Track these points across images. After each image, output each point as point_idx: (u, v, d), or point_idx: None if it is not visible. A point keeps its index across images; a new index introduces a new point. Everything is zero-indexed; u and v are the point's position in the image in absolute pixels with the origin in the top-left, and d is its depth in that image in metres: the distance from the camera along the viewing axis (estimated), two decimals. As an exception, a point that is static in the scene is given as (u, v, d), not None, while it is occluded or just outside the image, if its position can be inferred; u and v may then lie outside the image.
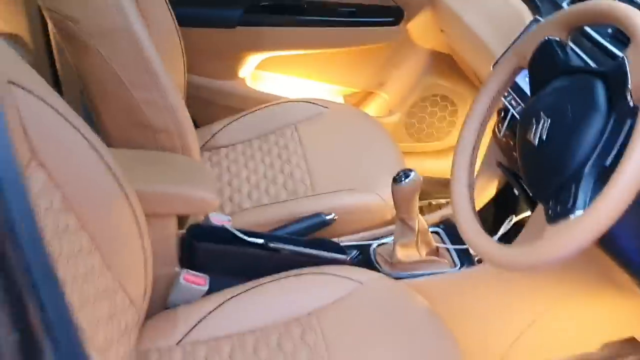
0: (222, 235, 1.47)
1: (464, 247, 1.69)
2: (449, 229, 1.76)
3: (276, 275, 1.45)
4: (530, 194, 1.33)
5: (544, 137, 1.12)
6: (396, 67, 2.41)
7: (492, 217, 2.03)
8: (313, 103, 2.10)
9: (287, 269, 1.45)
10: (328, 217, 1.66)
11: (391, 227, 1.70)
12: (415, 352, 1.29)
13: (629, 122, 1.01)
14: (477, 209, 1.29)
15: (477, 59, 1.90)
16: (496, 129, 1.61)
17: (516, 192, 1.69)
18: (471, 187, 1.24)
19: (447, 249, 1.71)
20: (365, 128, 2.03)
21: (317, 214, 1.66)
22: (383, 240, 1.70)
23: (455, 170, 1.25)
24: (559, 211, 1.06)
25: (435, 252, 1.67)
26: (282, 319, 1.33)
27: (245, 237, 1.48)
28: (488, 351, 1.50)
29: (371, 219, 1.74)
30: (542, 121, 1.13)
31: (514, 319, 1.59)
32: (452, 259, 1.68)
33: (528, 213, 1.72)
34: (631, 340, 1.68)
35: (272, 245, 1.48)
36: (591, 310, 1.64)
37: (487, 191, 1.90)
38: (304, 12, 2.28)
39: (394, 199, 1.58)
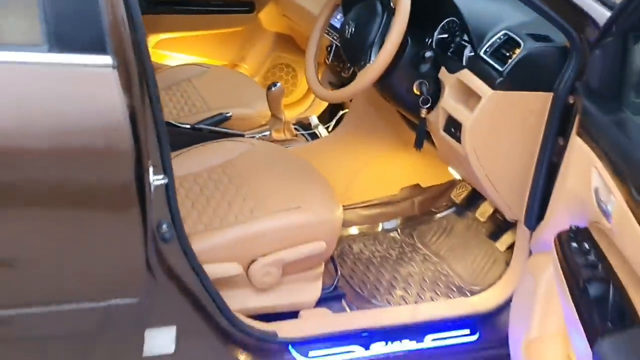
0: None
1: (312, 132, 2.71)
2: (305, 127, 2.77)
3: (198, 145, 2.36)
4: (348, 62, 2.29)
5: (353, 32, 2.16)
6: (252, 45, 3.41)
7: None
8: (199, 65, 3.06)
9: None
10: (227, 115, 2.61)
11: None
12: (303, 178, 2.21)
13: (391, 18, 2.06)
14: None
15: (310, 27, 2.93)
16: (326, 59, 2.62)
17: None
18: (314, 67, 2.25)
19: (303, 135, 2.72)
20: (238, 80, 3.01)
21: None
22: (265, 133, 2.67)
23: (307, 61, 2.27)
24: (361, 66, 2.09)
25: (295, 136, 2.67)
26: (206, 167, 2.20)
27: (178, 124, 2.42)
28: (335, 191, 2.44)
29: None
30: (351, 25, 2.17)
31: (348, 169, 2.60)
32: (306, 139, 2.68)
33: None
34: (417, 186, 2.73)
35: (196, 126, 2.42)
36: (391, 163, 2.68)
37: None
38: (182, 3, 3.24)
39: (268, 102, 2.57)
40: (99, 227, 1.48)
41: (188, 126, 2.46)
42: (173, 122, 2.45)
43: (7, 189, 1.39)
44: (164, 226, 1.62)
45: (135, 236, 1.52)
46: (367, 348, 1.98)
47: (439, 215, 2.68)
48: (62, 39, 1.40)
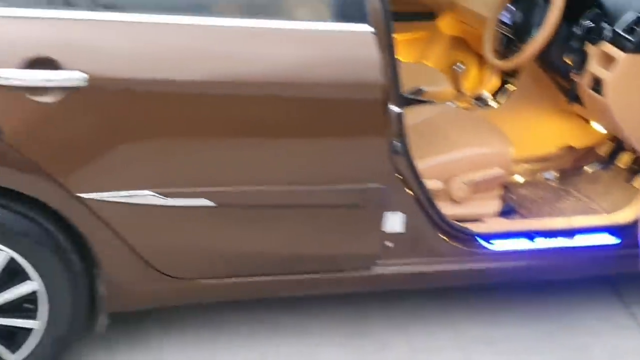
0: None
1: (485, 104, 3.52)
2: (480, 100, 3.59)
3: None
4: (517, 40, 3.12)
5: (521, 17, 2.97)
6: (432, 47, 4.26)
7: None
8: None
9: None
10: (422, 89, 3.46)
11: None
12: (483, 126, 3.01)
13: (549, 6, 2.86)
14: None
15: (481, 27, 3.73)
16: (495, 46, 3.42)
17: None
18: (491, 47, 3.08)
19: (479, 105, 3.53)
20: (427, 69, 3.86)
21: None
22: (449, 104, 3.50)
23: (485, 43, 3.10)
24: (526, 42, 2.90)
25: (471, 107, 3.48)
26: (417, 120, 3.06)
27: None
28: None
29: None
30: (519, 13, 2.98)
31: (513, 131, 3.37)
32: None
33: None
34: (569, 146, 3.46)
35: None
36: (548, 127, 3.44)
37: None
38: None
39: (452, 79, 3.40)
40: (364, 137, 2.36)
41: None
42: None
43: (310, 115, 2.29)
44: (397, 144, 2.48)
45: (383, 144, 2.39)
46: (531, 240, 2.75)
47: (587, 168, 3.39)
48: (341, 14, 2.30)
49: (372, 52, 2.30)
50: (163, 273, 2.41)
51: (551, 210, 3.06)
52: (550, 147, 3.43)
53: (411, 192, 2.56)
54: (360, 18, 2.31)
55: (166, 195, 2.28)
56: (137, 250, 2.34)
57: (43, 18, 2.14)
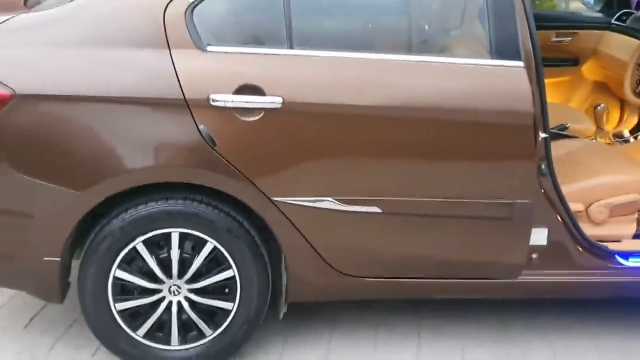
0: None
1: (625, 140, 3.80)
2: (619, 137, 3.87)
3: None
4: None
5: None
6: (576, 90, 4.57)
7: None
8: None
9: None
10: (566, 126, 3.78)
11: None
12: (622, 158, 3.32)
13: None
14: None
15: (623, 72, 4.01)
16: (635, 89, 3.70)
17: None
18: (629, 87, 3.39)
19: (618, 141, 3.81)
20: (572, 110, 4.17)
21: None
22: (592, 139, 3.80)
23: (625, 83, 3.40)
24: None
25: (612, 143, 3.77)
26: (561, 152, 3.41)
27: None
28: None
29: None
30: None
31: None
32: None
33: None
34: None
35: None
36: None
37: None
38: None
39: (595, 117, 3.71)
40: (515, 158, 2.72)
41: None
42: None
43: (469, 138, 2.68)
44: (543, 166, 2.83)
45: (532, 165, 2.74)
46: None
47: None
48: (498, 52, 2.70)
49: (523, 85, 2.68)
50: (336, 269, 2.84)
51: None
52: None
53: (555, 210, 2.88)
54: (515, 56, 2.70)
55: (343, 202, 2.72)
56: (316, 248, 2.79)
57: (250, 54, 2.65)
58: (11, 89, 2.57)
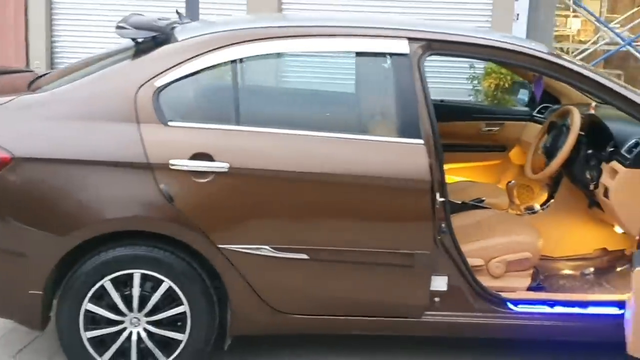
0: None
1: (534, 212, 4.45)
2: (530, 209, 4.53)
3: (465, 212, 4.21)
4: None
5: (549, 143, 3.97)
6: (504, 173, 5.25)
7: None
8: (470, 181, 4.96)
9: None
10: (482, 199, 4.45)
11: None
12: (521, 224, 3.98)
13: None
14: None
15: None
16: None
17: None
18: (530, 168, 4.07)
19: (528, 213, 4.46)
20: (492, 187, 4.84)
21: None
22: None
23: (526, 165, 4.08)
24: (551, 161, 3.88)
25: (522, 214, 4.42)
26: (471, 220, 4.06)
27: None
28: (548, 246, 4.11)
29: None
30: (549, 140, 3.98)
31: (555, 232, 4.26)
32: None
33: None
34: (604, 248, 4.30)
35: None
36: (586, 231, 4.30)
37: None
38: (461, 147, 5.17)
39: (507, 192, 4.37)
40: (416, 216, 3.36)
41: (459, 202, 4.34)
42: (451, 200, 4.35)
43: (379, 200, 3.32)
44: (442, 225, 3.46)
45: (429, 225, 3.37)
46: (551, 307, 3.60)
47: (618, 267, 4.20)
48: (403, 132, 3.38)
49: (422, 158, 3.34)
50: (272, 307, 3.43)
51: (574, 289, 3.89)
52: (587, 248, 4.27)
53: (454, 262, 3.49)
54: (416, 135, 3.37)
55: (277, 249, 3.34)
56: (255, 288, 3.39)
57: (204, 128, 3.33)
58: (10, 152, 3.22)
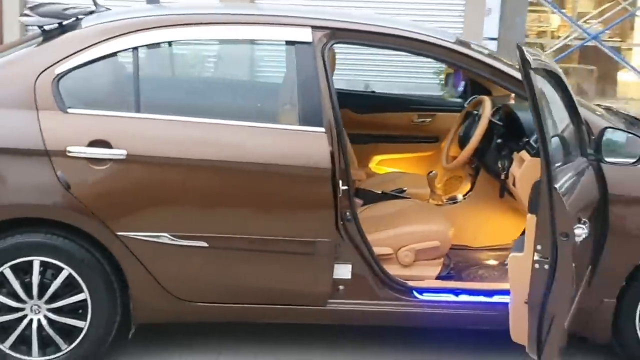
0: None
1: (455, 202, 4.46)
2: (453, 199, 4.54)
3: (387, 201, 4.21)
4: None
5: (462, 133, 3.97)
6: (437, 163, 5.25)
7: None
8: (402, 173, 4.96)
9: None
10: (404, 189, 4.45)
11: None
12: (436, 214, 3.98)
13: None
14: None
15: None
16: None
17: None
18: (446, 157, 4.07)
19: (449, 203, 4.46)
20: (418, 177, 4.85)
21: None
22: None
23: (443, 153, 4.09)
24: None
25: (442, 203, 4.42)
26: (392, 210, 4.06)
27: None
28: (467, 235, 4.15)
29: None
30: (462, 129, 3.98)
31: (474, 222, 4.27)
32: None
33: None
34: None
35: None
36: (502, 220, 4.30)
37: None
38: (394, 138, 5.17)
39: (428, 182, 4.37)
40: (317, 204, 3.35)
41: (380, 192, 4.34)
42: (371, 190, 4.36)
43: (280, 187, 3.31)
44: (347, 213, 3.46)
45: (330, 213, 3.37)
46: (456, 295, 3.60)
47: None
48: (305, 120, 3.37)
49: (324, 146, 3.34)
50: (173, 295, 3.43)
51: (491, 279, 3.89)
52: (507, 239, 4.28)
53: (358, 250, 3.49)
54: (318, 123, 3.37)
55: (176, 237, 3.34)
56: (155, 276, 3.39)
57: (103, 116, 3.31)
58: None
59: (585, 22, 11.80)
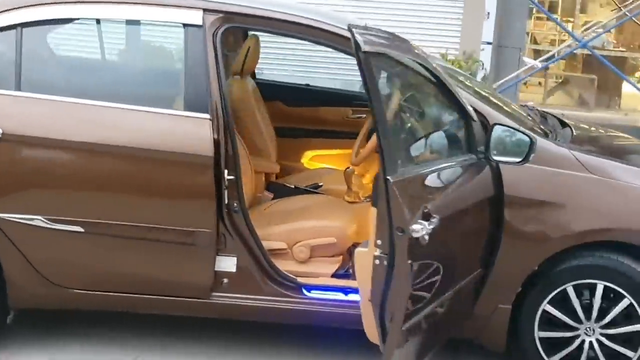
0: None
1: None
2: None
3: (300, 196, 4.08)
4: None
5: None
6: (373, 160, 5.12)
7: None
8: (330, 169, 4.83)
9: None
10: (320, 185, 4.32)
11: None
12: (342, 210, 3.86)
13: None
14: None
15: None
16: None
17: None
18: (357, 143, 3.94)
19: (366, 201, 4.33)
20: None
21: (315, 184, 4.34)
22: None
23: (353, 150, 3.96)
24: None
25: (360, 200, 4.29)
26: (300, 205, 3.91)
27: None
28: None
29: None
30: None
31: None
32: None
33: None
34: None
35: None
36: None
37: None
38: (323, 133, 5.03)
39: (345, 178, 4.25)
40: (197, 193, 3.24)
41: (293, 186, 4.22)
42: (284, 183, 4.23)
43: (160, 173, 3.22)
44: (235, 204, 3.34)
45: (211, 202, 3.25)
46: (345, 294, 3.47)
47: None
48: (191, 106, 3.25)
49: (206, 132, 3.22)
50: (49, 280, 3.33)
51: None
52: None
53: (245, 243, 3.37)
54: (203, 109, 3.26)
55: (50, 221, 3.24)
56: (29, 260, 3.29)
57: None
58: None
59: (589, 29, 11.57)
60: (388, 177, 2.62)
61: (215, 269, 3.36)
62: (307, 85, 5.10)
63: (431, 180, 2.96)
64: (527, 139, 3.14)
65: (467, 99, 3.33)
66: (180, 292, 3.40)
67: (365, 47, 2.60)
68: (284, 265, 3.51)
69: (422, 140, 3.11)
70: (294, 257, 3.62)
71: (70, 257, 3.32)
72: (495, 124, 3.21)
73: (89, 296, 3.39)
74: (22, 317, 3.59)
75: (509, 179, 3.23)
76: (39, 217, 3.24)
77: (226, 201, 3.30)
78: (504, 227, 3.27)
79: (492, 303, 3.35)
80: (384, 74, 2.97)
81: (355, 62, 2.64)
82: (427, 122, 3.44)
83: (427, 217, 2.66)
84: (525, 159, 3.14)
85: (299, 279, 3.49)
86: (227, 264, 3.38)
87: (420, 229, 2.59)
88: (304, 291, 3.46)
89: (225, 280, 3.39)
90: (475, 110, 3.32)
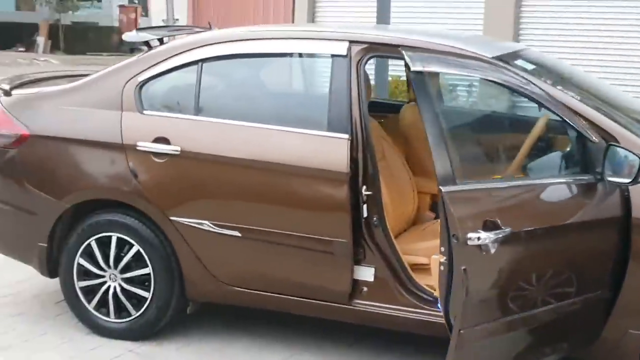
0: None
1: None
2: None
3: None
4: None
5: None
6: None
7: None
8: None
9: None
10: None
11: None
12: None
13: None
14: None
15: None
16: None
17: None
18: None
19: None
20: None
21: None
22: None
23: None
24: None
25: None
26: None
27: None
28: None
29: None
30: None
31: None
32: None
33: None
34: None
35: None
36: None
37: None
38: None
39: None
40: (335, 206, 3.59)
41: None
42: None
43: (304, 187, 3.64)
44: (374, 217, 3.63)
45: (345, 216, 3.57)
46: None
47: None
48: (332, 126, 3.63)
49: (343, 152, 3.57)
50: (215, 277, 3.88)
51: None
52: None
53: (383, 255, 3.64)
54: (343, 130, 3.62)
55: (215, 225, 3.79)
56: (199, 258, 3.87)
57: (167, 117, 3.90)
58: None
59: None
60: (441, 188, 2.76)
61: (355, 278, 3.66)
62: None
63: (509, 194, 3.01)
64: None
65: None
66: (321, 296, 3.74)
67: (415, 67, 2.80)
68: (425, 280, 3.69)
69: (504, 155, 3.15)
70: (432, 272, 3.79)
71: (230, 257, 3.83)
72: (610, 144, 3.15)
73: (246, 294, 3.86)
74: (202, 310, 4.15)
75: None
76: (207, 222, 3.80)
77: (365, 215, 3.59)
78: (631, 250, 3.17)
79: (621, 328, 3.26)
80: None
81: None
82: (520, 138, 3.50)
83: (491, 227, 2.76)
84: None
85: (436, 293, 3.65)
86: (366, 273, 3.66)
87: (477, 237, 2.70)
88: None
89: (365, 289, 3.67)
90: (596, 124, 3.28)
